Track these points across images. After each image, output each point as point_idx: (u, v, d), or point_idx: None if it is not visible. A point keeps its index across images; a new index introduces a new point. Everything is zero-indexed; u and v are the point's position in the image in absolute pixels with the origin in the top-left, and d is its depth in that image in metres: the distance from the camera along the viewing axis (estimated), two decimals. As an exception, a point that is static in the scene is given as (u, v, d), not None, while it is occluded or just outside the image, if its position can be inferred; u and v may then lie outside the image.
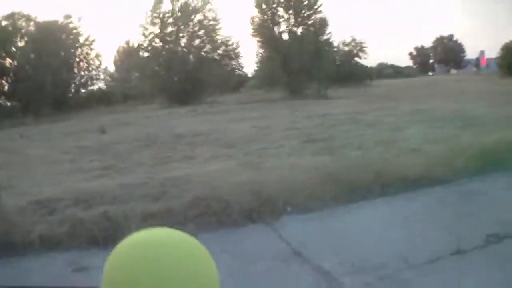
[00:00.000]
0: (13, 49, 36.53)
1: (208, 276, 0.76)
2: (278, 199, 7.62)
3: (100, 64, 43.85)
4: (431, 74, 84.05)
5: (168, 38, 38.38)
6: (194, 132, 16.13)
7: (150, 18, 38.52)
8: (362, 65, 52.11)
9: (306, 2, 40.79)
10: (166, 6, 38.92)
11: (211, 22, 39.64)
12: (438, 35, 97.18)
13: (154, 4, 38.40)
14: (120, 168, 10.25)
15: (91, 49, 42.02)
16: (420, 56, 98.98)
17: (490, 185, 8.18)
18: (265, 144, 12.90)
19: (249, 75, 50.76)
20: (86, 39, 41.67)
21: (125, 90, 44.55)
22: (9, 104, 37.62)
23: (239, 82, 48.75)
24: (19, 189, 8.53)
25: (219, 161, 10.68)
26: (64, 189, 8.18)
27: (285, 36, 41.29)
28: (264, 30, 40.50)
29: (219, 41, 40.91)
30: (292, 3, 40.32)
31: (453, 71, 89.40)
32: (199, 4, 39.03)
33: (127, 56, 50.45)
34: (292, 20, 40.88)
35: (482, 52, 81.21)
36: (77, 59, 41.56)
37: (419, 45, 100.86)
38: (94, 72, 43.07)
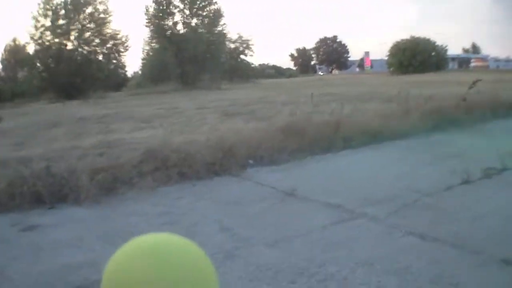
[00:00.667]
0: None
1: (208, 282, 0.75)
2: (237, 152, 7.09)
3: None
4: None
5: (59, 31, 36.17)
6: (98, 115, 14.81)
7: (43, 10, 36.04)
8: (248, 62, 52.52)
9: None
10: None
11: (101, 15, 37.89)
12: (322, 36, 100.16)
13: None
14: (35, 143, 8.83)
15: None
16: (302, 57, 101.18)
17: (446, 137, 8.60)
18: (184, 119, 12.11)
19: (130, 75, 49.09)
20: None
21: (13, 88, 41.02)
22: None
23: (120, 81, 46.51)
24: None
25: (146, 131, 9.77)
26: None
27: (180, 27, 40.29)
28: (158, 21, 39.35)
29: (108, 35, 39.11)
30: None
31: (335, 71, 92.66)
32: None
33: (15, 53, 46.80)
34: (187, 11, 40.04)
35: (366, 53, 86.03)
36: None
37: (300, 47, 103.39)
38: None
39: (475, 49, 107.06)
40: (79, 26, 36.95)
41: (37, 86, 36.15)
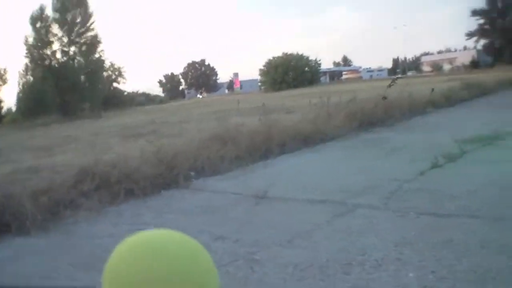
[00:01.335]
0: None
1: (209, 277, 0.74)
2: (178, 165, 6.75)
3: None
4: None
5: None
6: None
7: None
8: (121, 90, 51.83)
9: (79, 19, 38.51)
10: None
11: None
12: (190, 61, 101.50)
13: None
14: None
15: None
16: (170, 82, 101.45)
17: (377, 135, 8.96)
18: (85, 144, 11.26)
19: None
20: None
21: None
22: None
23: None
24: None
25: (56, 157, 9.01)
26: None
27: (59, 56, 38.32)
28: (37, 50, 37.12)
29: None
30: (67, 20, 37.75)
31: (204, 94, 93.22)
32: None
33: None
34: (65, 39, 38.16)
35: (235, 74, 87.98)
36: None
37: (169, 72, 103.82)
38: None
39: (346, 61, 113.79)
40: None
41: None
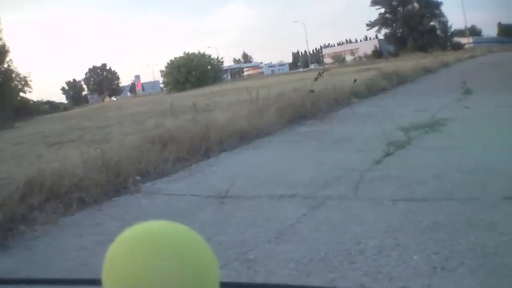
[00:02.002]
0: None
1: (209, 269, 0.77)
2: (124, 170, 6.63)
3: None
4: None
5: None
6: None
7: None
8: (28, 100, 49.88)
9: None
10: None
11: None
12: (91, 66, 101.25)
13: None
14: None
15: None
16: (73, 89, 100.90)
17: (313, 128, 9.17)
18: (8, 154, 10.88)
19: None
20: None
21: None
22: None
23: None
24: None
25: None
26: None
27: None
28: None
29: None
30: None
31: (107, 99, 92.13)
32: None
33: None
34: None
35: (137, 77, 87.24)
36: None
37: (70, 79, 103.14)
38: None
39: (246, 58, 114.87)
40: None
41: None
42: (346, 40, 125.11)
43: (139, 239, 0.74)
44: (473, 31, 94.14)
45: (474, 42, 78.40)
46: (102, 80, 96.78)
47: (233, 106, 11.94)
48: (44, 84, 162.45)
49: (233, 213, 4.62)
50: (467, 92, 11.98)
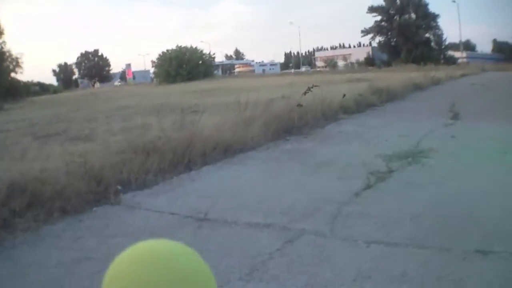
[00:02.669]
0: None
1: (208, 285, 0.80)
2: (105, 178, 6.63)
3: None
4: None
5: None
6: None
7: None
8: (19, 81, 49.48)
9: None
10: None
11: None
12: (83, 51, 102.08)
13: None
14: None
15: None
16: (64, 72, 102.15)
17: (298, 146, 9.24)
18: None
19: None
20: None
21: None
22: None
23: None
24: None
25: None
26: None
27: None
28: None
29: None
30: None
31: (97, 84, 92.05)
32: None
33: None
34: None
35: (128, 65, 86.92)
36: None
37: (62, 62, 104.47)
38: None
39: (238, 55, 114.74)
40: None
41: None
42: (340, 45, 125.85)
43: (140, 260, 0.77)
44: (468, 46, 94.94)
45: (467, 57, 78.94)
46: (93, 66, 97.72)
47: (221, 110, 11.92)
48: (35, 65, 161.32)
49: (210, 239, 4.64)
50: (455, 117, 12.05)
